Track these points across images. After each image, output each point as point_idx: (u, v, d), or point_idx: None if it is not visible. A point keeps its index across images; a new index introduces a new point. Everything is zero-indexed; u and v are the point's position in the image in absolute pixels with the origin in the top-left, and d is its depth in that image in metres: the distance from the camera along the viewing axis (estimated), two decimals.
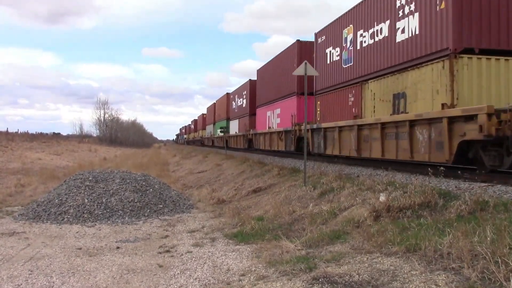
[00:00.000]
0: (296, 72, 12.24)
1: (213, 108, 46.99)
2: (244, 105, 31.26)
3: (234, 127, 34.59)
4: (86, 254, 7.20)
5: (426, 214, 6.33)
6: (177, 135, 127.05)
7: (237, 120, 33.51)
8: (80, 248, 7.60)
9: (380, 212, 6.82)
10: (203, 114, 57.22)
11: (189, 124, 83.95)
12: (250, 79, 30.91)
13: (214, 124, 44.33)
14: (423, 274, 4.30)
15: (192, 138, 74.54)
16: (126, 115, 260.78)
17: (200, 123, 60.67)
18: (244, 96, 31.06)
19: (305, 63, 11.61)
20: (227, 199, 12.71)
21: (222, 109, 40.34)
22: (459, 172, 8.52)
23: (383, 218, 6.65)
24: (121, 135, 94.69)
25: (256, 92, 27.94)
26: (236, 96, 34.27)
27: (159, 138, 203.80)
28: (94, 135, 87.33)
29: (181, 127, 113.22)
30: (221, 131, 37.12)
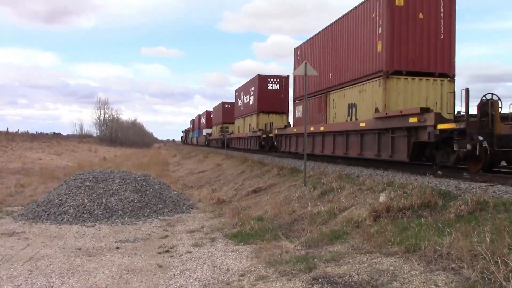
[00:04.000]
0: (296, 72, 12.24)
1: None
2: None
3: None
4: (86, 254, 7.20)
5: (426, 214, 6.33)
6: (185, 132, 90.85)
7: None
8: (80, 248, 7.59)
9: (380, 212, 6.82)
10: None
11: (218, 108, 46.51)
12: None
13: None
14: (423, 274, 4.29)
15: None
16: (126, 115, 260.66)
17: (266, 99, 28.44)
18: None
19: (305, 63, 11.62)
20: (227, 199, 12.71)
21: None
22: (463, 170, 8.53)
23: (382, 218, 6.65)
24: (121, 135, 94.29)
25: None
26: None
27: (160, 138, 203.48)
28: (94, 135, 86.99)
29: (192, 118, 77.39)
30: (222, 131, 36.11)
